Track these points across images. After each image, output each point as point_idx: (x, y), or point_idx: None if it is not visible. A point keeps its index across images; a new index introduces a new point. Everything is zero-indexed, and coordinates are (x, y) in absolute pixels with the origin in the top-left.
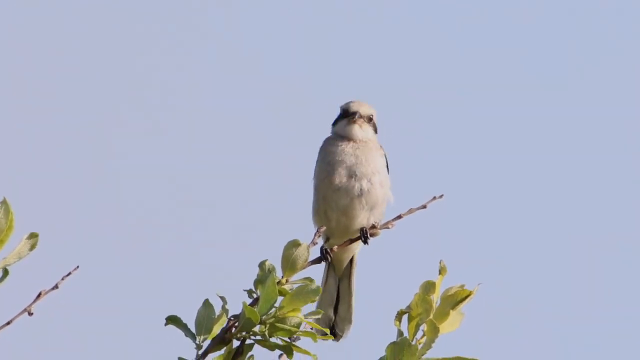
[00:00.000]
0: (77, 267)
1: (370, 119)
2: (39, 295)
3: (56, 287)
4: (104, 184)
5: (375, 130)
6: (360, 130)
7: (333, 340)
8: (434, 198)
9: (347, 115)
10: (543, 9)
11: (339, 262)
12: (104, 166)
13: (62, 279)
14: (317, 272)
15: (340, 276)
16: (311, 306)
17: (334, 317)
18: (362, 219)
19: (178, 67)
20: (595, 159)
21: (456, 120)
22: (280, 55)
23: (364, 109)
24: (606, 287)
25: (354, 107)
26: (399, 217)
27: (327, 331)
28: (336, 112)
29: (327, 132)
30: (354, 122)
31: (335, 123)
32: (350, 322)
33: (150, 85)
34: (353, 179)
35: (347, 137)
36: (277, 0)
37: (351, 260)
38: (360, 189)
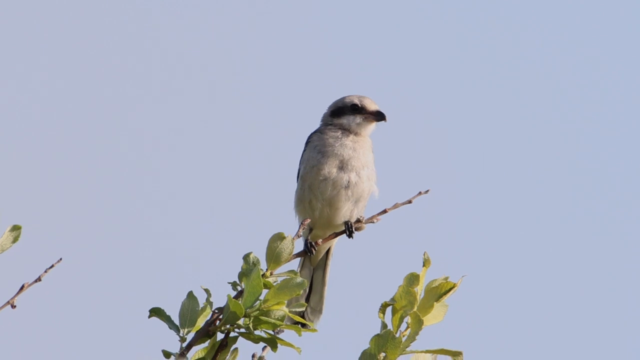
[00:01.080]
0: (60, 259)
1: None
2: (22, 288)
3: (39, 279)
4: (87, 177)
5: None
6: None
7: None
8: (420, 193)
9: (360, 111)
10: (539, 10)
11: (317, 252)
12: (86, 159)
13: (45, 271)
14: (293, 262)
15: (315, 267)
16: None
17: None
18: (346, 210)
19: (169, 64)
20: (576, 154)
21: (443, 115)
22: (266, 55)
23: (375, 107)
24: (588, 280)
25: (372, 105)
26: (384, 211)
27: (311, 324)
28: (325, 104)
29: (309, 125)
30: (373, 121)
31: (337, 114)
32: (320, 312)
33: (140, 83)
34: (343, 171)
35: (354, 132)
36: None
37: (327, 252)
38: (348, 181)
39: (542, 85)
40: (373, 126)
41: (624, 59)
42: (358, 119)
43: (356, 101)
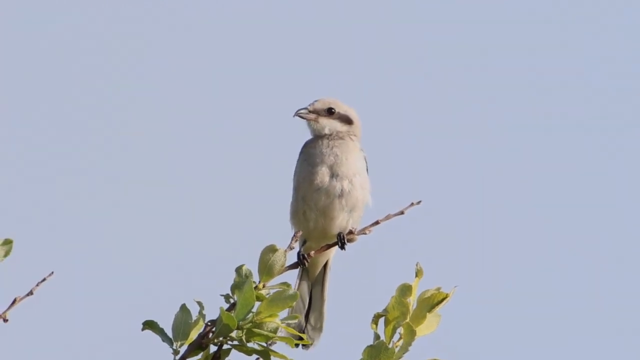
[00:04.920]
0: (52, 273)
1: (330, 111)
2: (14, 302)
3: (31, 293)
4: (77, 188)
5: (347, 121)
6: (318, 124)
7: (303, 348)
8: (412, 204)
9: (335, 114)
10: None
11: (314, 266)
12: (77, 171)
13: (37, 285)
14: (291, 276)
15: (313, 281)
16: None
17: (304, 324)
18: (342, 220)
19: (159, 64)
20: (571, 160)
21: (436, 125)
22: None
23: (318, 104)
24: (583, 289)
25: (342, 106)
26: (377, 222)
27: (304, 336)
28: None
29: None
30: (305, 119)
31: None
32: (321, 330)
33: (137, 82)
34: (334, 179)
35: (316, 135)
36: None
37: (325, 265)
38: (341, 190)
39: (537, 94)
40: (311, 124)
41: (625, 59)
42: (338, 124)
43: (332, 105)
